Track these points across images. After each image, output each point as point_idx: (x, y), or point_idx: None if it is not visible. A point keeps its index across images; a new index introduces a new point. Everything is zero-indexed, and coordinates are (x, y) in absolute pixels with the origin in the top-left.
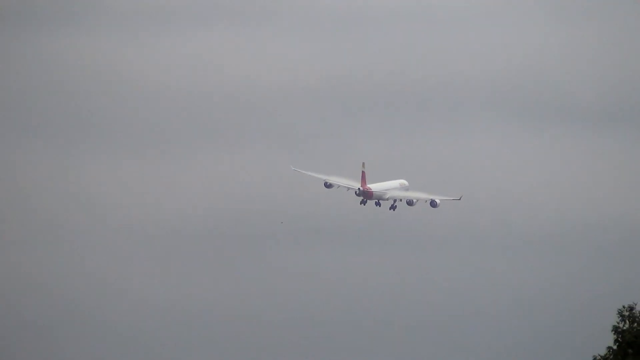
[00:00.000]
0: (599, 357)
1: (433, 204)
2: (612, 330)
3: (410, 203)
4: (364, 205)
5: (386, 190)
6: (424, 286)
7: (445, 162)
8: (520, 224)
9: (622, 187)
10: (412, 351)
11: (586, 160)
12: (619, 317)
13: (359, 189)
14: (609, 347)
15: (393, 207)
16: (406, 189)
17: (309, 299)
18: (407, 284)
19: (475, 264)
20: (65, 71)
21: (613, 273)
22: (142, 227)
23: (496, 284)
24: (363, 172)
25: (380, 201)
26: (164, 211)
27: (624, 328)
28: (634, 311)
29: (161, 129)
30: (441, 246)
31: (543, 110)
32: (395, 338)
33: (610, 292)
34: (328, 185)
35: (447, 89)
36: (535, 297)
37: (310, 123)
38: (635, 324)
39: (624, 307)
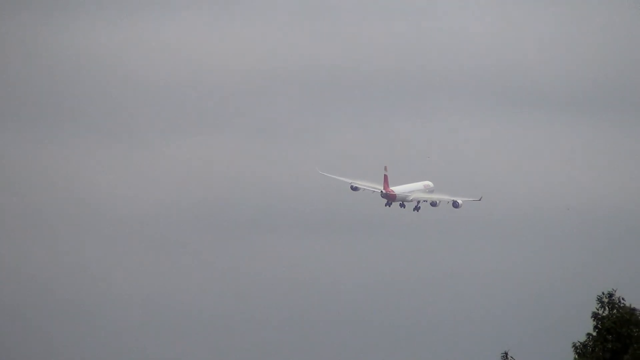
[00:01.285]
0: (579, 343)
1: (455, 204)
2: (591, 317)
3: (434, 204)
4: (389, 206)
5: (410, 192)
6: (406, 269)
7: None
8: (498, 212)
9: (604, 175)
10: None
11: (578, 150)
12: (598, 303)
13: (381, 191)
14: (589, 334)
15: (417, 208)
16: (431, 190)
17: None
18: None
19: (454, 252)
20: (33, 57)
21: (593, 260)
22: (126, 218)
23: (475, 271)
24: (385, 176)
25: (404, 203)
26: (149, 201)
27: (604, 315)
28: (613, 298)
29: (143, 119)
30: (431, 234)
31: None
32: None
33: (590, 279)
34: (354, 188)
35: (443, 81)
36: (515, 285)
37: (333, 125)
38: (615, 311)
39: (603, 293)
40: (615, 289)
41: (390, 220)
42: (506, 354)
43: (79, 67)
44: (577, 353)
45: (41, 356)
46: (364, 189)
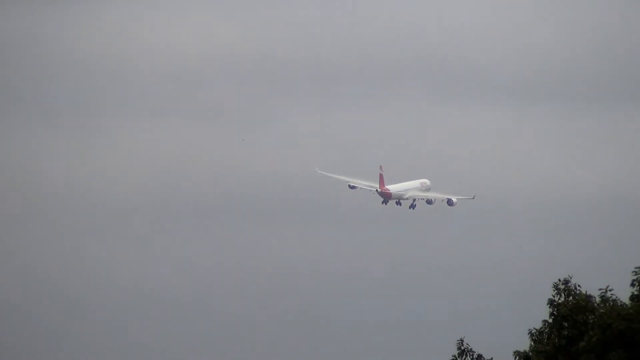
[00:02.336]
0: (535, 330)
1: (450, 202)
2: (547, 304)
3: (429, 202)
4: (386, 204)
5: (405, 190)
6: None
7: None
8: (472, 207)
9: (568, 161)
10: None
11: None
12: (554, 290)
13: (377, 190)
14: (545, 321)
15: (412, 206)
16: (428, 188)
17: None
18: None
19: (424, 244)
20: None
21: (549, 246)
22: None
23: (435, 257)
24: (381, 175)
25: (400, 201)
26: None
27: (560, 301)
28: (569, 284)
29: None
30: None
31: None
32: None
33: (546, 266)
34: (352, 187)
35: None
36: (471, 271)
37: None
38: (571, 298)
39: (559, 280)
40: (571, 275)
41: (372, 213)
42: (462, 340)
43: (23, 52)
44: (532, 340)
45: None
46: (361, 188)
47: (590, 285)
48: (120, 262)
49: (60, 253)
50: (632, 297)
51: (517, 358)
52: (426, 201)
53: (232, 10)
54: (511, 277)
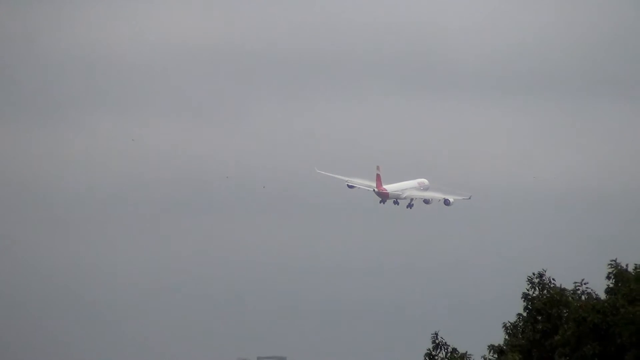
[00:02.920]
0: (509, 324)
1: (447, 202)
2: (522, 298)
3: (426, 202)
4: (384, 203)
5: (403, 190)
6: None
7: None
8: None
9: (542, 157)
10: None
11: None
12: (528, 284)
13: (374, 189)
14: (519, 314)
15: (410, 206)
16: (426, 187)
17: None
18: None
19: (397, 236)
20: None
21: (523, 240)
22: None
23: (414, 253)
24: (378, 175)
25: (398, 200)
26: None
27: (534, 295)
28: (543, 278)
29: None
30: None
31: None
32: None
33: (522, 260)
34: (350, 186)
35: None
36: (446, 265)
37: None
38: (545, 291)
39: (533, 274)
40: (545, 269)
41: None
42: (436, 334)
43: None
44: (507, 333)
45: None
46: (359, 187)
47: (565, 279)
48: (95, 256)
49: (15, 249)
50: (608, 290)
51: (492, 352)
52: (423, 201)
53: (212, 4)
54: (487, 272)
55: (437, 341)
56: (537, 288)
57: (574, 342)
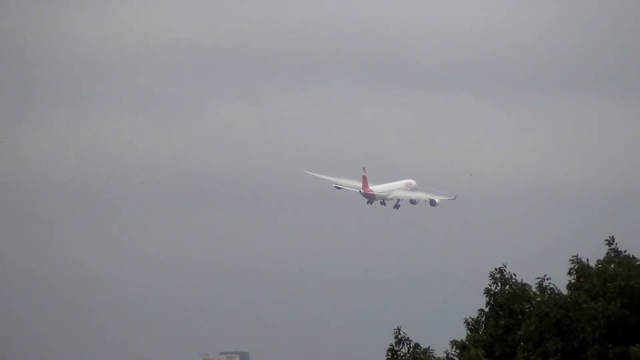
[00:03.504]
0: (470, 319)
1: (432, 203)
2: (484, 293)
3: (413, 202)
4: (371, 204)
5: (389, 190)
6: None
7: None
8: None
9: (505, 152)
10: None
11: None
12: (491, 279)
13: (360, 191)
14: (480, 310)
15: (396, 206)
16: (414, 188)
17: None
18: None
19: (369, 235)
20: None
21: (488, 236)
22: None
23: (377, 248)
24: (364, 176)
25: (385, 201)
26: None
27: (496, 290)
28: (504, 273)
29: None
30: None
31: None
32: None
33: (485, 255)
34: (338, 187)
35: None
36: (413, 262)
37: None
38: (508, 287)
39: (495, 269)
40: (505, 264)
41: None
42: (399, 330)
43: None
44: (469, 329)
45: None
46: (346, 189)
47: (528, 274)
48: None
49: None
50: (569, 286)
51: (454, 347)
52: (410, 201)
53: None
54: (450, 268)
55: (399, 336)
56: (499, 283)
57: (537, 338)
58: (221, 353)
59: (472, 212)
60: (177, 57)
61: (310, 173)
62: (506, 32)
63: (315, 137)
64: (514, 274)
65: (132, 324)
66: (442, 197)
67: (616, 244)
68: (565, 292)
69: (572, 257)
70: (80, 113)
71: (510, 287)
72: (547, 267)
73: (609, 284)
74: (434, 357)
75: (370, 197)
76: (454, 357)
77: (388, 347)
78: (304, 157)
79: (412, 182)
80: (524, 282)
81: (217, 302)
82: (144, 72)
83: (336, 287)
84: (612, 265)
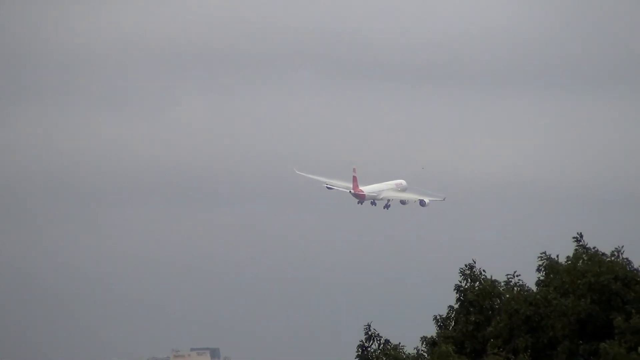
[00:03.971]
0: (439, 316)
1: (422, 203)
2: (454, 289)
3: (403, 202)
4: (361, 204)
5: (380, 191)
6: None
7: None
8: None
9: (473, 149)
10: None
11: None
12: (461, 275)
13: (350, 191)
14: (450, 306)
15: (387, 206)
16: (404, 188)
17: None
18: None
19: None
20: None
21: (458, 233)
22: None
23: (354, 246)
24: (354, 177)
25: (375, 201)
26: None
27: (466, 287)
28: (474, 270)
29: None
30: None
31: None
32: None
33: (456, 252)
34: (329, 188)
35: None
36: (381, 259)
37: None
38: (478, 283)
39: (465, 265)
40: (474, 260)
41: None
42: (369, 326)
43: None
44: (438, 326)
45: None
46: (337, 189)
47: (497, 271)
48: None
49: None
50: (538, 283)
51: (424, 343)
52: (400, 201)
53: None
54: (421, 264)
55: (369, 332)
56: (469, 280)
57: (506, 335)
58: (192, 349)
59: (453, 211)
60: (151, 54)
61: (301, 173)
62: (507, 33)
63: (307, 137)
64: (484, 270)
65: (103, 321)
66: (431, 198)
67: (585, 241)
68: (534, 288)
69: (541, 253)
70: (47, 110)
71: (480, 283)
72: (518, 263)
73: (579, 281)
74: (404, 353)
75: (361, 198)
76: (424, 354)
77: (358, 343)
78: (295, 157)
79: (403, 182)
80: (493, 278)
81: (187, 299)
82: (115, 68)
83: (308, 283)
84: (581, 263)
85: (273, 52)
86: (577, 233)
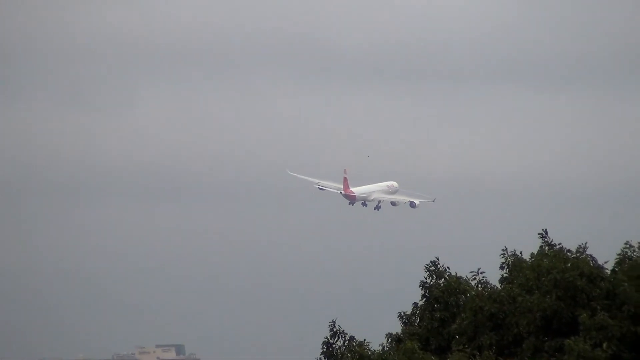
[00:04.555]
0: (403, 313)
1: (412, 204)
2: (419, 286)
3: (393, 204)
4: (352, 205)
5: (370, 192)
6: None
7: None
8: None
9: (437, 144)
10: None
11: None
12: (426, 272)
13: (341, 192)
14: (415, 303)
15: (377, 207)
16: (395, 190)
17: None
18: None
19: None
20: None
21: (424, 230)
22: None
23: (327, 245)
24: (345, 178)
25: (366, 202)
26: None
27: (431, 283)
28: (438, 266)
29: None
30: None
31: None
32: None
33: (421, 249)
34: (321, 188)
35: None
36: (347, 258)
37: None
38: (443, 280)
39: (430, 262)
40: (437, 257)
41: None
42: (334, 322)
43: None
44: (403, 322)
45: None
46: (329, 190)
47: (462, 268)
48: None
49: None
50: (502, 280)
51: (390, 340)
52: (390, 203)
53: None
54: (387, 262)
55: (334, 329)
56: (434, 276)
57: (471, 332)
58: (157, 345)
59: (424, 211)
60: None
61: (294, 174)
62: (510, 32)
63: (300, 138)
64: (448, 267)
65: (68, 318)
66: (421, 200)
67: (550, 237)
68: (498, 286)
69: (502, 250)
70: (11, 104)
71: (445, 280)
72: (483, 261)
73: (543, 278)
74: (369, 350)
75: (351, 199)
76: (390, 350)
77: (323, 340)
78: (288, 158)
79: (394, 184)
80: (458, 274)
81: (153, 295)
82: (81, 63)
83: (274, 280)
84: (546, 260)
85: (264, 53)
86: (542, 229)
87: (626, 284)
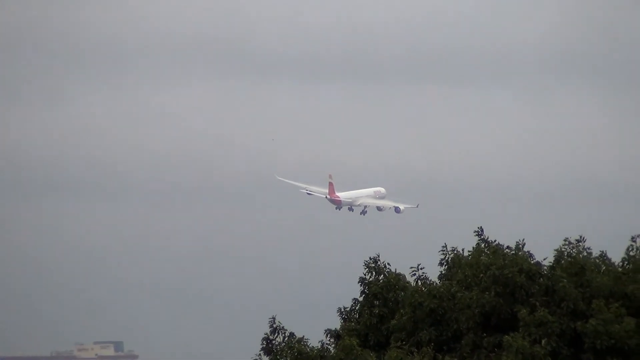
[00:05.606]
0: (344, 309)
1: (397, 210)
2: (359, 282)
3: (379, 209)
4: (339, 210)
5: (356, 197)
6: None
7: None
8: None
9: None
10: None
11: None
12: (365, 268)
13: (326, 197)
14: (354, 299)
15: (363, 212)
16: (382, 195)
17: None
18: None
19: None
20: None
21: (365, 226)
22: None
23: (279, 245)
24: (330, 183)
25: (352, 207)
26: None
27: (370, 280)
28: (378, 263)
29: None
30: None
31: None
32: None
33: (362, 246)
34: (309, 193)
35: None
36: (293, 252)
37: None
38: (382, 276)
39: (370, 258)
40: (378, 253)
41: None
42: (274, 319)
43: None
44: (342, 318)
45: None
46: (315, 195)
47: (401, 264)
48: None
49: None
50: (440, 277)
51: (328, 336)
52: (376, 208)
53: None
54: (329, 258)
55: (274, 325)
56: (373, 272)
57: (410, 327)
58: (95, 342)
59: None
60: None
61: (282, 179)
62: (508, 28)
63: (290, 143)
64: (388, 264)
65: (4, 316)
66: (406, 205)
67: (485, 235)
68: (437, 282)
69: (442, 247)
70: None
71: (384, 276)
72: (422, 257)
73: (481, 274)
74: (307, 346)
75: (337, 203)
76: (329, 347)
77: (263, 336)
78: (276, 163)
79: (382, 190)
80: (397, 271)
81: (91, 292)
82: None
83: (218, 277)
84: (484, 256)
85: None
86: (478, 227)
87: (565, 280)
